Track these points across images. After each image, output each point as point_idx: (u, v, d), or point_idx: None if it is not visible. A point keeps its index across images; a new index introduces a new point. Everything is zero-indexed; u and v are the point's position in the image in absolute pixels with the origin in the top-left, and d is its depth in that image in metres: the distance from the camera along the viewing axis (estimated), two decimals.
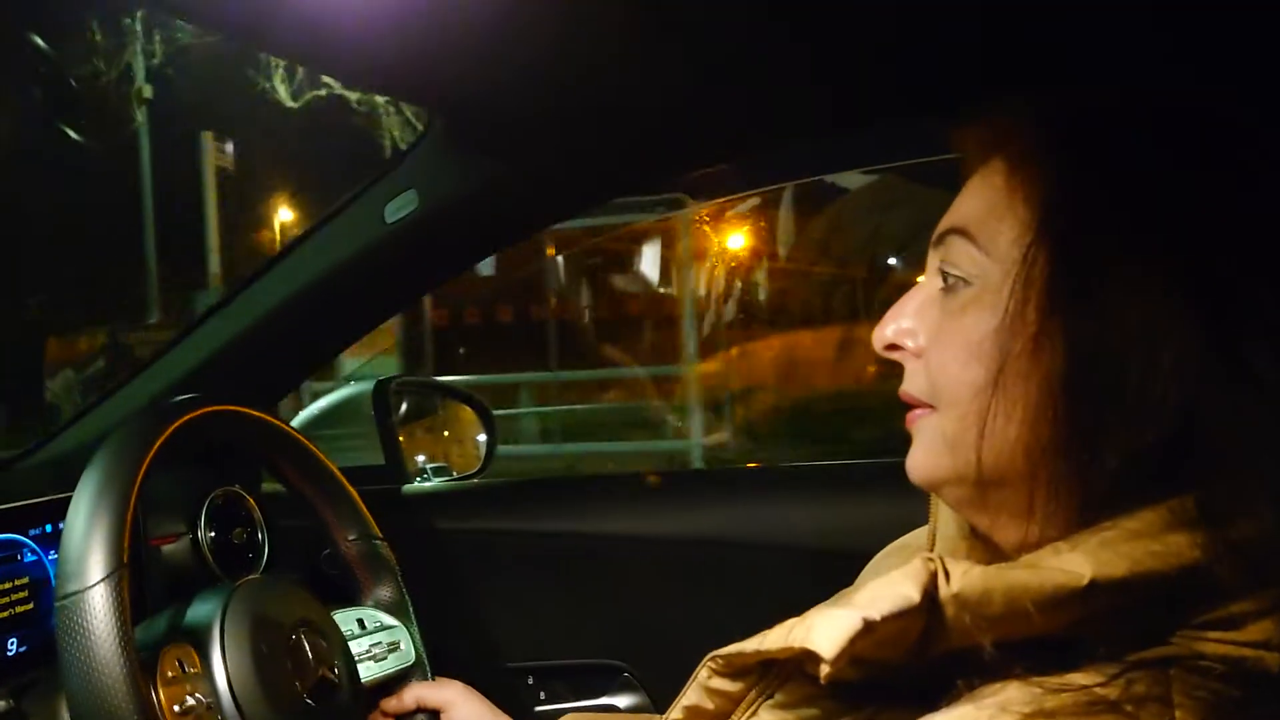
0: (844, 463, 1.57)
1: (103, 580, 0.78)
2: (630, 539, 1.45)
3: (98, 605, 0.77)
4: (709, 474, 1.65)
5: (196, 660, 0.86)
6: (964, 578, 0.54)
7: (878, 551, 0.91)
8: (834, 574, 0.90)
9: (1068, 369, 0.58)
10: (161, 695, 0.82)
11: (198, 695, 0.84)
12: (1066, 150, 0.62)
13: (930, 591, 0.54)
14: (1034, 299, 0.59)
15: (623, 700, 1.41)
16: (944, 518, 0.74)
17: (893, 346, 0.69)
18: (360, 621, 1.10)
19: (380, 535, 1.16)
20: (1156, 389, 0.56)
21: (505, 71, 0.96)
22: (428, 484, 1.65)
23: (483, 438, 1.78)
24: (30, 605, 1.02)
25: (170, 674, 0.84)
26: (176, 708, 0.82)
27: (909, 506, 0.86)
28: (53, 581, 1.05)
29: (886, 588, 0.55)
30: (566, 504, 1.54)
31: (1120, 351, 0.57)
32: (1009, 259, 0.61)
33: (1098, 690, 0.52)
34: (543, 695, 1.43)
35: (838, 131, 1.14)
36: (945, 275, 0.66)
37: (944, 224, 0.66)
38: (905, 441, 0.69)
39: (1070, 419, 0.58)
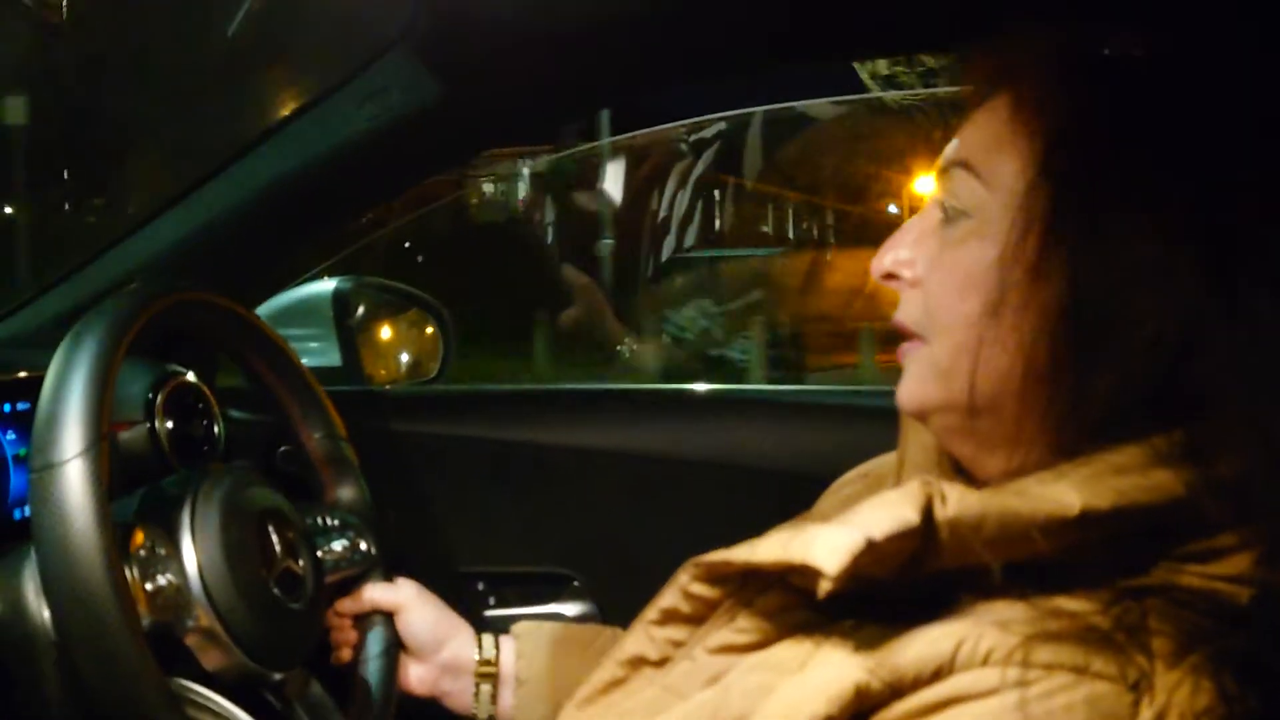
0: (803, 389, 1.60)
1: (81, 454, 0.76)
2: (584, 452, 1.47)
3: (75, 478, 0.76)
4: (667, 393, 1.68)
5: (167, 542, 0.86)
6: (960, 502, 0.56)
7: (832, 478, 0.93)
8: (788, 497, 0.93)
9: (1065, 301, 0.60)
10: (135, 573, 0.82)
11: (168, 576, 0.84)
12: (1074, 87, 0.63)
13: (927, 514, 0.56)
14: (1035, 232, 0.61)
15: (570, 608, 1.43)
16: (914, 447, 0.76)
17: (891, 276, 0.70)
18: (321, 520, 1.10)
19: (345, 435, 1.15)
20: (1152, 325, 0.58)
21: None
22: (385, 387, 1.65)
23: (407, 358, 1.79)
24: None
25: (142, 553, 0.83)
26: (149, 586, 0.82)
27: (867, 435, 0.88)
28: (9, 461, 1.05)
29: (886, 508, 0.56)
30: (523, 414, 1.55)
31: (1118, 287, 0.59)
32: (1010, 191, 0.63)
33: (1092, 619, 0.54)
34: (492, 601, 1.46)
35: (825, 59, 1.14)
36: (946, 207, 0.67)
37: (946, 157, 0.68)
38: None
39: (1064, 350, 0.60)
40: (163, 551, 0.85)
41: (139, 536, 0.84)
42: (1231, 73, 0.63)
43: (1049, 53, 0.65)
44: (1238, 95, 0.62)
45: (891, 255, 0.70)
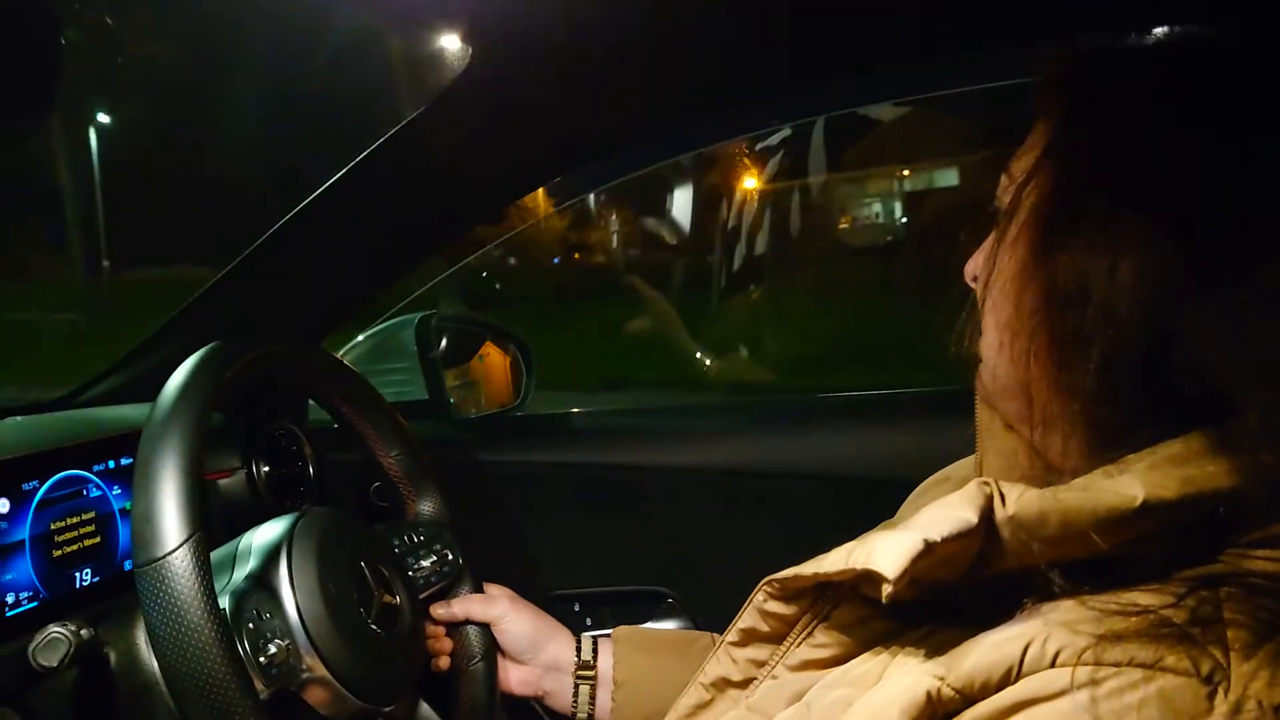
0: (884, 392, 1.58)
1: (181, 545, 0.77)
2: (672, 469, 1.47)
3: (179, 571, 0.76)
4: (750, 404, 1.67)
5: (270, 602, 0.88)
6: (1019, 500, 0.56)
7: (918, 481, 0.93)
8: (874, 503, 0.92)
9: (1058, 283, 0.62)
10: (247, 647, 0.84)
11: (276, 641, 0.86)
12: (1073, 85, 0.66)
13: (987, 514, 0.56)
14: (1026, 220, 0.64)
15: (667, 624, 1.45)
16: (990, 448, 0.76)
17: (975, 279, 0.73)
18: (407, 538, 1.12)
19: (421, 450, 1.17)
20: (1123, 296, 0.59)
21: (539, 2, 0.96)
22: (471, 417, 1.68)
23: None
24: (98, 539, 1.06)
25: (250, 625, 0.85)
26: (261, 659, 0.84)
27: (949, 436, 0.87)
28: (118, 516, 1.09)
29: (945, 510, 0.57)
30: (609, 436, 1.56)
31: (1087, 261, 0.60)
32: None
33: (1164, 613, 0.54)
34: (589, 621, 1.47)
35: (879, 66, 1.13)
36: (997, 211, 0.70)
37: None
38: None
39: (1053, 325, 0.62)
40: (268, 615, 0.87)
41: (245, 605, 0.86)
42: (1230, 64, 0.63)
43: (1067, 63, 0.68)
44: (1218, 87, 0.62)
45: (972, 261, 0.73)
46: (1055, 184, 0.63)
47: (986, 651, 0.56)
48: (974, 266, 0.73)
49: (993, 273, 0.66)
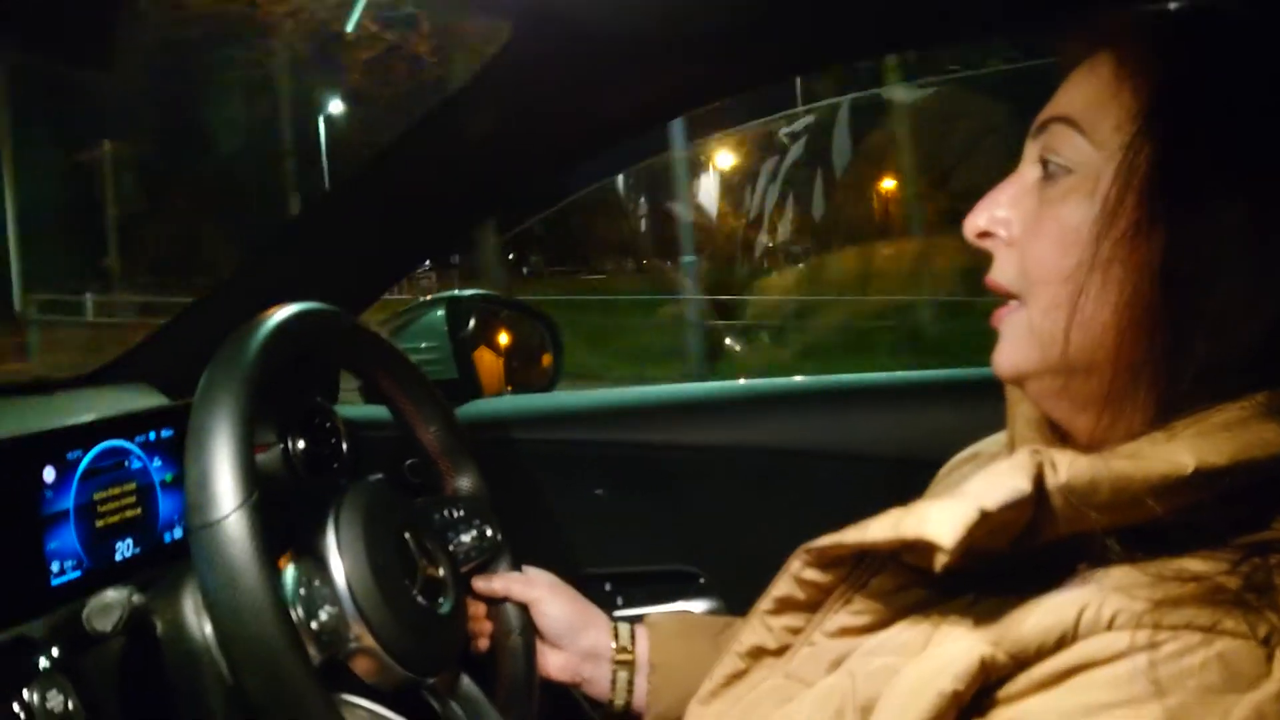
0: (912, 373, 1.58)
1: (237, 509, 0.76)
2: (704, 448, 1.48)
3: (235, 535, 0.76)
4: (779, 384, 1.68)
5: (319, 572, 0.89)
6: (1071, 468, 0.56)
7: (945, 461, 0.93)
8: (902, 483, 0.92)
9: (1164, 258, 0.59)
10: (300, 613, 0.84)
11: (327, 608, 0.87)
12: (1176, 45, 0.62)
13: (1039, 482, 0.56)
14: (1135, 186, 0.60)
15: (697, 605, 1.45)
16: (1021, 423, 0.75)
17: (985, 235, 0.70)
18: (446, 513, 1.12)
19: (459, 425, 1.17)
20: (1251, 288, 0.57)
21: None
22: (502, 398, 1.69)
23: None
24: (139, 510, 1.07)
25: (302, 591, 0.86)
26: (314, 625, 0.85)
27: (976, 417, 0.87)
28: (158, 488, 1.11)
29: (997, 479, 0.57)
30: (639, 415, 1.57)
31: (1217, 246, 0.58)
32: (1113, 147, 0.62)
33: (1218, 579, 0.54)
34: (620, 601, 1.48)
35: (911, 48, 1.13)
36: (1046, 163, 0.66)
37: (1046, 113, 0.67)
38: None
39: (1162, 308, 0.60)
40: (318, 583, 0.88)
41: (298, 573, 0.87)
42: None
43: (1151, 15, 0.65)
44: None
45: (988, 214, 0.70)
46: (1167, 152, 0.60)
47: (1040, 616, 0.56)
48: (994, 215, 0.69)
49: (1103, 243, 0.61)
